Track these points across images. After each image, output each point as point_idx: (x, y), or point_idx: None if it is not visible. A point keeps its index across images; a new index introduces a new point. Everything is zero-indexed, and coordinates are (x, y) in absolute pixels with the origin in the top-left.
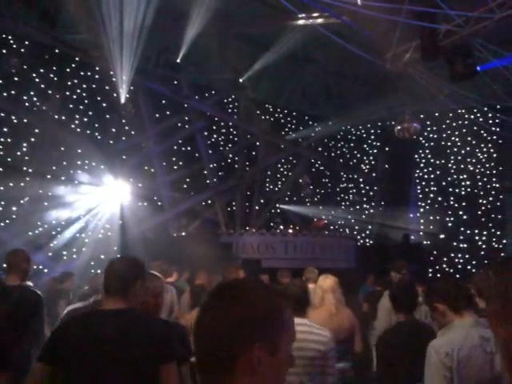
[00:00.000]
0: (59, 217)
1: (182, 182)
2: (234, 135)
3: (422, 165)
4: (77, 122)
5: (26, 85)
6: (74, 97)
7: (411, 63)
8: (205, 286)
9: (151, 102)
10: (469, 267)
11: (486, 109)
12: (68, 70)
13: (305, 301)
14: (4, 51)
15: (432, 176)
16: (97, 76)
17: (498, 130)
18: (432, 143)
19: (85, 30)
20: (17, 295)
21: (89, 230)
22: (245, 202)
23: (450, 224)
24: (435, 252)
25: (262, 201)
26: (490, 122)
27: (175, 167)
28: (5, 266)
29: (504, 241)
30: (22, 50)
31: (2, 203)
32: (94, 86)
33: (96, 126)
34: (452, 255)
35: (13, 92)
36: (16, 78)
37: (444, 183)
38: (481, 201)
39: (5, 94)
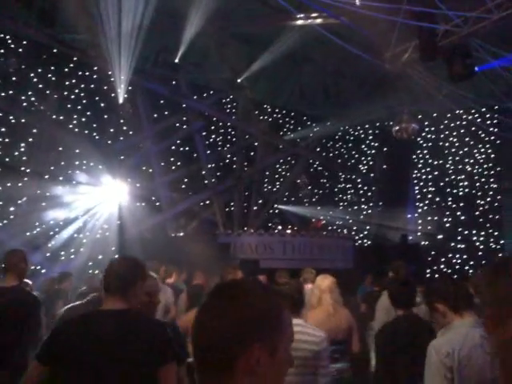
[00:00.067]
0: (57, 217)
1: (180, 182)
2: (232, 135)
3: (419, 165)
4: (75, 121)
5: (23, 84)
6: (72, 97)
7: (410, 63)
8: (203, 287)
9: (149, 101)
10: (466, 267)
11: (484, 109)
12: (66, 69)
13: (299, 301)
14: (2, 51)
15: (430, 176)
16: (95, 76)
17: (495, 130)
18: (430, 143)
19: (83, 29)
20: (13, 296)
21: (87, 231)
22: (243, 202)
23: (447, 224)
24: (433, 252)
25: (260, 201)
26: (488, 122)
27: (173, 167)
28: (3, 266)
29: (502, 241)
30: (20, 50)
31: (0, 203)
32: (92, 85)
33: (94, 126)
34: (450, 255)
35: (11, 92)
36: (14, 78)
37: (442, 184)
38: (479, 201)
39: (3, 94)
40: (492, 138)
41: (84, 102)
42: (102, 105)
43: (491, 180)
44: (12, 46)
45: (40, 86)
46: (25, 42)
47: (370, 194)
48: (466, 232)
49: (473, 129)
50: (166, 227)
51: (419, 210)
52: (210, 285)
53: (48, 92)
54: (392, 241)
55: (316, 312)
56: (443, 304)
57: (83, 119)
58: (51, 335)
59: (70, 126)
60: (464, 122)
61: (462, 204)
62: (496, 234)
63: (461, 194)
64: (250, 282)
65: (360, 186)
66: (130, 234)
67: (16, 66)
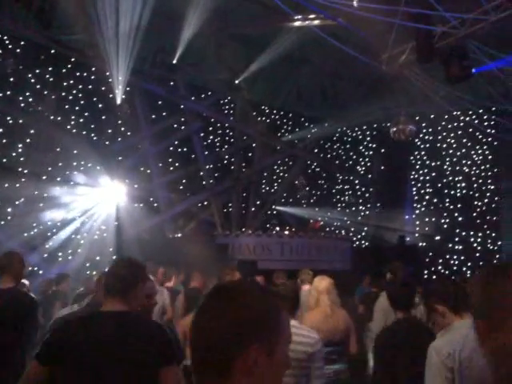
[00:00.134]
0: (55, 218)
1: (178, 183)
2: (230, 136)
3: (417, 166)
4: (72, 122)
5: (21, 85)
6: (70, 97)
7: (407, 65)
8: (200, 290)
9: (147, 102)
10: (464, 269)
11: (481, 111)
12: (64, 70)
13: (294, 302)
14: (0, 51)
15: (427, 178)
16: (93, 77)
17: (493, 131)
18: (427, 145)
19: (81, 30)
20: (10, 298)
21: (84, 231)
22: (241, 203)
23: (445, 225)
24: (431, 253)
25: (258, 202)
26: (486, 123)
27: (171, 168)
28: None
29: (499, 242)
30: (18, 51)
31: None
32: (89, 86)
33: (92, 126)
34: (447, 257)
35: (8, 92)
36: (11, 79)
37: (439, 185)
38: (476, 202)
39: (0, 95)
40: (489, 139)
41: (82, 102)
42: (100, 106)
43: (489, 181)
44: (10, 46)
45: (38, 86)
46: (23, 43)
47: (367, 195)
48: (464, 233)
49: (470, 130)
50: (164, 228)
51: (417, 211)
52: (208, 286)
53: (46, 93)
54: (390, 242)
55: (313, 313)
56: (443, 305)
57: (81, 120)
58: (51, 335)
59: (68, 127)
60: (461, 124)
61: (459, 205)
62: (494, 235)
63: (458, 195)
64: (247, 284)
65: (358, 187)
66: (127, 235)
67: (14, 67)
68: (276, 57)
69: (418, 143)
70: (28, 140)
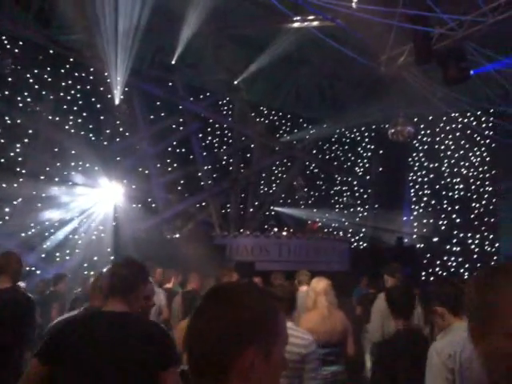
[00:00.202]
0: (52, 218)
1: (176, 184)
2: (228, 137)
3: (415, 168)
4: (71, 122)
5: (19, 85)
6: (68, 98)
7: (405, 66)
8: (198, 291)
9: (146, 103)
10: (462, 270)
11: (479, 112)
12: (62, 70)
13: (291, 303)
14: None
15: (425, 179)
16: (91, 77)
17: (491, 133)
18: (426, 146)
19: (79, 30)
20: (7, 298)
21: (82, 232)
22: (239, 204)
23: (443, 227)
24: (428, 255)
25: (256, 203)
26: (484, 125)
27: (169, 169)
28: None
29: (497, 244)
30: (16, 51)
31: None
32: (88, 86)
33: (90, 127)
34: (445, 258)
35: (6, 92)
36: (10, 79)
37: (437, 186)
38: (474, 204)
39: None
40: (487, 141)
41: (80, 103)
42: (98, 106)
43: (486, 183)
44: (8, 46)
45: (36, 86)
46: (21, 43)
47: (365, 196)
48: (462, 235)
49: (468, 132)
50: (162, 229)
51: (415, 213)
52: (206, 287)
53: (44, 93)
54: (388, 243)
55: (311, 314)
56: (442, 307)
57: (79, 120)
58: (52, 335)
59: (66, 127)
60: (459, 125)
61: (457, 207)
62: (491, 236)
63: (456, 196)
64: (244, 285)
65: (356, 188)
66: (125, 236)
67: (12, 67)
68: (275, 58)
69: (416, 145)
70: (26, 140)
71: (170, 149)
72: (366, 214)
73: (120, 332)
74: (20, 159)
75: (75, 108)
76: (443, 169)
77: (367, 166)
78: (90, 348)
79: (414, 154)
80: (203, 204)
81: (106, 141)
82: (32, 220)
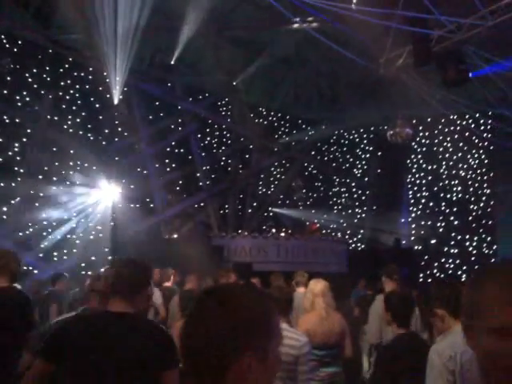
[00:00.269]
0: (50, 217)
1: (174, 184)
2: (227, 138)
3: (413, 170)
4: (69, 122)
5: (18, 84)
6: (67, 97)
7: (404, 68)
8: (196, 291)
9: (144, 103)
10: (459, 272)
11: (477, 115)
12: (61, 70)
13: (288, 305)
14: None
15: (424, 181)
16: (90, 76)
17: (489, 136)
18: (424, 148)
19: (79, 30)
20: (5, 297)
21: (80, 232)
22: (237, 204)
23: (441, 229)
24: (426, 257)
25: (254, 204)
26: (482, 128)
27: (168, 169)
28: None
29: (494, 246)
30: (15, 50)
31: None
32: (87, 86)
33: (89, 126)
34: (443, 260)
35: (5, 92)
36: (9, 78)
37: (435, 188)
38: (472, 206)
39: None
40: (485, 143)
41: (79, 102)
42: (97, 106)
43: (484, 185)
44: (7, 45)
45: (35, 86)
46: (20, 42)
47: (364, 197)
48: (459, 237)
49: (466, 134)
50: (160, 229)
51: (413, 215)
52: (203, 287)
53: (43, 92)
54: (385, 245)
55: (309, 316)
56: (442, 309)
57: (78, 120)
58: (56, 333)
59: (65, 127)
60: (458, 128)
61: (455, 209)
62: (489, 239)
63: (454, 198)
64: (239, 286)
65: (354, 189)
66: (123, 236)
67: (11, 66)
68: (273, 59)
69: (415, 146)
70: (24, 139)
71: (168, 149)
72: (364, 215)
73: (121, 332)
74: (18, 158)
75: (74, 108)
76: (441, 171)
77: (366, 167)
78: (92, 348)
79: (413, 156)
80: (201, 204)
81: (104, 141)
82: (29, 219)
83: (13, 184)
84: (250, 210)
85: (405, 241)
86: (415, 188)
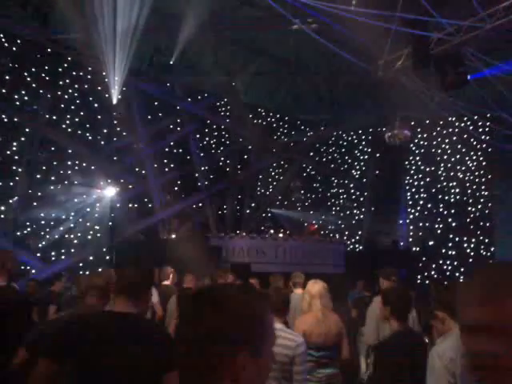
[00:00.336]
0: (48, 217)
1: (173, 185)
2: (225, 138)
3: (412, 171)
4: (68, 122)
5: (17, 84)
6: (66, 97)
7: (403, 70)
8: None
9: (143, 103)
10: (457, 274)
11: (475, 117)
12: (60, 69)
13: (284, 306)
14: None
15: (422, 183)
16: (89, 76)
17: (487, 138)
18: (422, 150)
19: (78, 29)
20: (3, 297)
21: (78, 231)
22: (236, 205)
23: (438, 231)
24: (424, 258)
25: (252, 204)
26: (480, 130)
27: (166, 169)
28: None
29: (492, 248)
30: (14, 49)
31: None
32: (85, 86)
33: (87, 126)
34: (440, 262)
35: (4, 91)
36: (7, 77)
37: (434, 190)
38: (470, 208)
39: None
40: (483, 145)
41: (77, 102)
42: (96, 105)
43: (482, 187)
44: (6, 44)
45: (33, 85)
46: (19, 41)
47: (362, 199)
48: (457, 239)
49: (465, 136)
50: (158, 229)
51: (411, 216)
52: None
53: (41, 91)
54: (383, 246)
55: (306, 317)
56: (443, 311)
57: (76, 119)
58: (60, 332)
59: (63, 126)
60: (456, 130)
61: (453, 211)
62: (487, 241)
63: (452, 200)
64: (233, 286)
65: (352, 191)
66: (121, 236)
67: (9, 65)
68: (273, 60)
69: (413, 148)
70: (23, 139)
71: (167, 149)
72: (362, 216)
73: (122, 333)
74: (16, 157)
75: (72, 107)
76: (439, 172)
77: (364, 168)
78: (93, 348)
79: (411, 158)
80: (200, 205)
81: (103, 140)
82: (27, 219)
83: (11, 183)
84: (248, 211)
85: (403, 242)
86: (413, 189)
